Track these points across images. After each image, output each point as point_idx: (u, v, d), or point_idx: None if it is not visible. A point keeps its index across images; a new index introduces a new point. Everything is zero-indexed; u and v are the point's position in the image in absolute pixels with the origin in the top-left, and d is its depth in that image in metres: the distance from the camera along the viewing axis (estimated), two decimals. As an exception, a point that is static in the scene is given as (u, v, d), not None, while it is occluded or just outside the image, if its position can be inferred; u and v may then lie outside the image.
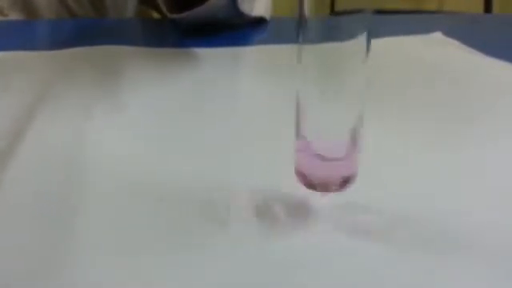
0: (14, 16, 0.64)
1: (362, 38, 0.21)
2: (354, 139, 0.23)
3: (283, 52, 0.46)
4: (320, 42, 0.21)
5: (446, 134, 0.33)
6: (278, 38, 0.50)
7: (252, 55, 0.50)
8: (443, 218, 0.25)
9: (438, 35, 0.54)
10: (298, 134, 0.23)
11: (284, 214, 0.24)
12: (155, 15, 0.70)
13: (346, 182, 0.23)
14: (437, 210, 0.25)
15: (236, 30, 0.55)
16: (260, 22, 0.59)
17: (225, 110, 0.37)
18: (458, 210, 0.25)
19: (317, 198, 0.24)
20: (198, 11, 0.50)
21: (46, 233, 0.23)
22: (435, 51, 0.49)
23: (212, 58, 0.47)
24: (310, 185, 0.23)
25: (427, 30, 0.54)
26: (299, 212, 0.24)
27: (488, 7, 1.19)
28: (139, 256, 0.22)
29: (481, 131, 0.34)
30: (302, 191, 0.24)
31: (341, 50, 0.21)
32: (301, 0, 0.20)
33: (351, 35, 0.21)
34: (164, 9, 0.53)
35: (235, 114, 0.36)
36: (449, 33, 0.53)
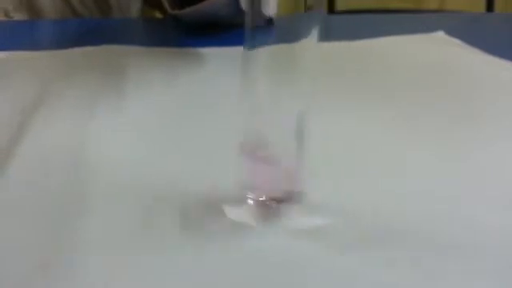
0: (19, 17, 0.64)
1: (311, 38, 0.21)
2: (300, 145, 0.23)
3: (284, 51, 0.47)
4: (272, 44, 0.21)
5: (448, 133, 0.33)
6: (280, 38, 0.51)
7: (253, 55, 0.50)
8: (443, 217, 0.25)
9: (439, 34, 0.54)
10: (245, 137, 0.23)
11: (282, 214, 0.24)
12: (158, 15, 0.71)
13: (289, 197, 0.23)
14: (436, 210, 0.25)
15: (238, 29, 0.55)
16: None
17: (227, 109, 0.36)
18: (457, 210, 0.25)
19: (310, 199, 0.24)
20: (200, 8, 0.50)
21: (47, 233, 0.23)
22: (437, 50, 0.49)
23: (214, 58, 0.47)
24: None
25: (429, 29, 0.55)
26: (292, 212, 0.24)
27: (490, 6, 1.19)
28: (139, 256, 0.22)
29: (483, 130, 0.34)
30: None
31: (291, 51, 0.21)
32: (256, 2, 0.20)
33: (302, 35, 0.21)
34: (166, 5, 0.53)
35: (236, 115, 0.36)
36: (451, 32, 0.54)
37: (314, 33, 0.21)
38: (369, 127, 0.34)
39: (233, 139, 0.32)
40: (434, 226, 0.24)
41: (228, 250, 0.22)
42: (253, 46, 0.21)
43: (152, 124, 0.34)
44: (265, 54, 0.21)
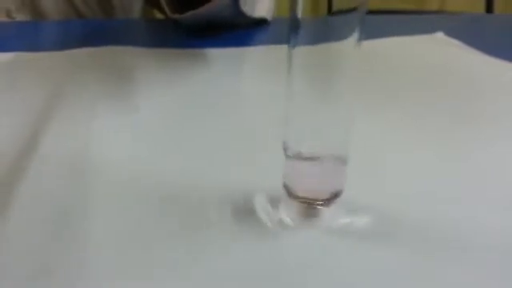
0: (22, 18, 0.64)
1: (352, 39, 0.20)
2: (343, 150, 0.23)
3: (285, 52, 0.47)
4: (311, 44, 0.21)
5: (448, 133, 0.33)
6: (281, 38, 0.51)
7: (254, 55, 0.50)
8: (443, 218, 0.25)
9: (439, 35, 0.54)
10: (287, 141, 0.23)
11: (284, 214, 0.25)
12: (159, 15, 0.71)
13: (333, 197, 0.23)
14: (437, 211, 0.25)
15: (238, 30, 0.55)
16: (262, 22, 0.59)
17: (229, 110, 0.37)
18: (458, 210, 0.25)
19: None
20: (200, 12, 0.50)
21: (50, 233, 0.23)
22: (437, 51, 0.49)
23: (217, 58, 0.47)
24: (297, 198, 0.24)
25: (429, 30, 0.55)
26: (296, 212, 0.25)
27: (489, 7, 1.19)
28: (140, 256, 0.22)
29: (483, 131, 0.34)
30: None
31: (332, 51, 0.21)
32: (293, 2, 0.20)
33: (343, 36, 0.20)
34: (166, 8, 0.53)
35: (239, 115, 0.36)
36: (450, 33, 0.54)
37: (355, 34, 0.20)
38: (369, 127, 0.34)
39: (235, 138, 0.33)
40: (435, 226, 0.24)
41: (231, 250, 0.23)
42: (294, 46, 0.21)
43: (155, 124, 0.34)
44: (303, 54, 0.21)
